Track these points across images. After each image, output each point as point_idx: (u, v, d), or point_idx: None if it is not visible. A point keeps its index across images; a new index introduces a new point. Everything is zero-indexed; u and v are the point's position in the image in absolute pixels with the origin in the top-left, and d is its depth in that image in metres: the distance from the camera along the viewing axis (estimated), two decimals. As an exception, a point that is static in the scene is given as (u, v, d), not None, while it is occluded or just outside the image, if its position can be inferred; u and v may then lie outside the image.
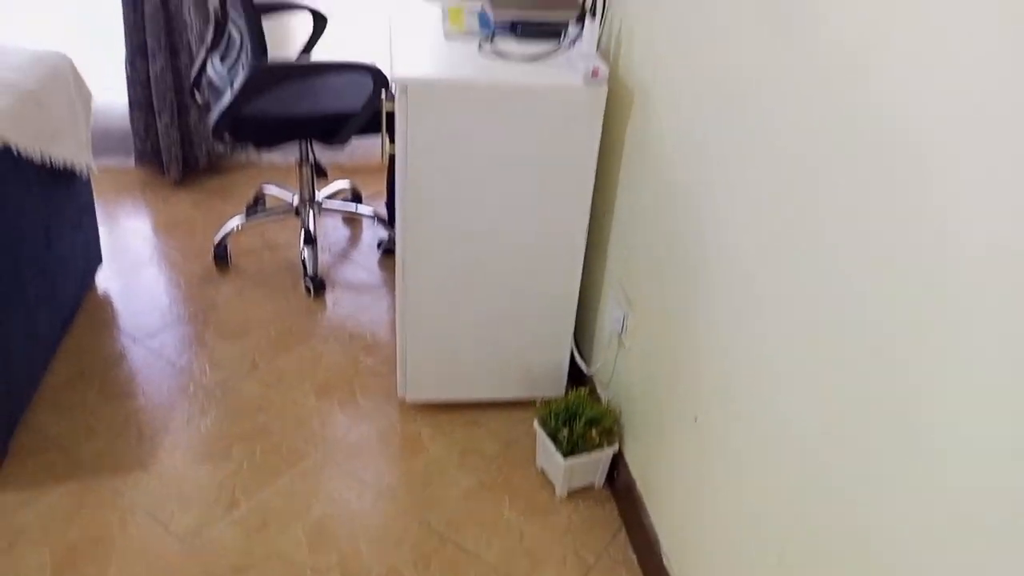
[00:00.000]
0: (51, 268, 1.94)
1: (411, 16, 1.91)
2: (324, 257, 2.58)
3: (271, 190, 2.73)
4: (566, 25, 1.78)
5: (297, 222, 2.72)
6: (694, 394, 1.37)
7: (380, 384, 2.05)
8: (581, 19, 1.70)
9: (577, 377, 1.99)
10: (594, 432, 1.68)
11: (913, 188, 0.83)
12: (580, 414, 1.70)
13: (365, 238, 2.72)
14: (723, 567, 1.28)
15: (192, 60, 2.74)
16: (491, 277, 1.79)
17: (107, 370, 2.03)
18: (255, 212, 2.61)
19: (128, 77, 2.74)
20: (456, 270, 1.76)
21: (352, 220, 2.81)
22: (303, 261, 2.44)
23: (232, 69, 2.15)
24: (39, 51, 1.95)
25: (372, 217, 2.72)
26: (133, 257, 2.49)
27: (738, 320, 1.21)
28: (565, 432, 1.68)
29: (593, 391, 1.90)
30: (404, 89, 1.55)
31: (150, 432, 1.85)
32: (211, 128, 2.13)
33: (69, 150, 1.95)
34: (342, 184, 2.79)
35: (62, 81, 1.94)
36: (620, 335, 1.72)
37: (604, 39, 1.80)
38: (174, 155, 2.85)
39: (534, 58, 1.68)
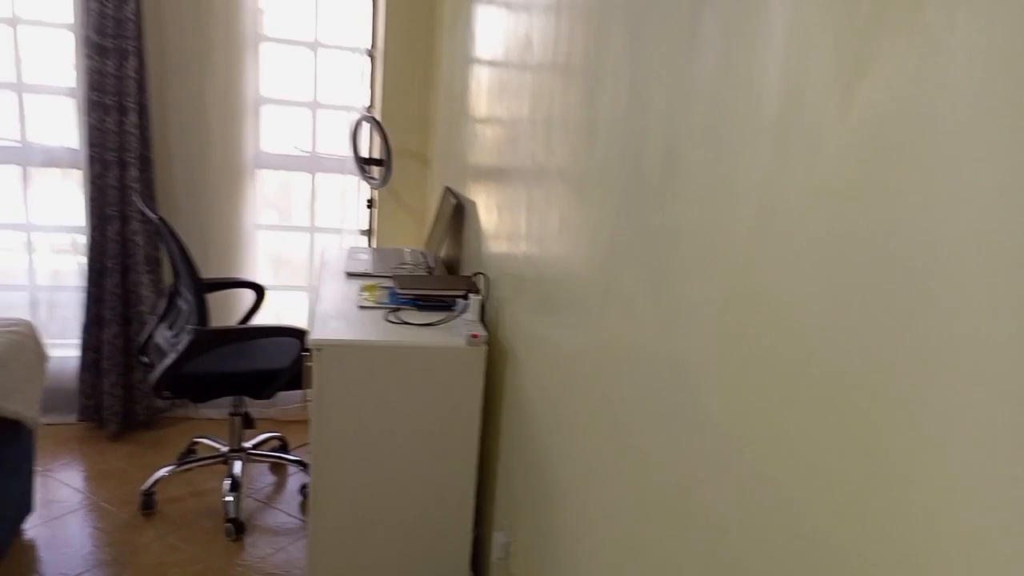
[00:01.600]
0: (-14, 514, 2.10)
1: (333, 289, 2.32)
2: (248, 503, 2.76)
3: (203, 441, 2.96)
4: (455, 300, 2.21)
5: (224, 470, 2.92)
6: (556, 605, 1.59)
7: (289, 622, 2.17)
8: (466, 295, 2.13)
9: (474, 608, 2.15)
10: (481, 654, 1.84)
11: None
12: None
13: (289, 484, 2.92)
14: None
15: (141, 328, 3.10)
16: (393, 512, 2.02)
17: (23, 615, 2.11)
18: (184, 461, 2.82)
19: (83, 342, 3.07)
20: (360, 508, 2.00)
21: (278, 467, 3.02)
22: (225, 505, 2.62)
23: (177, 335, 2.50)
24: (8, 320, 2.28)
25: (296, 463, 2.95)
26: (62, 505, 2.64)
27: (600, 552, 1.48)
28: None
29: (487, 619, 2.06)
30: (318, 349, 1.90)
31: (58, 675, 1.91)
32: (152, 385, 2.43)
33: (21, 405, 2.20)
34: (271, 435, 3.05)
35: (24, 345, 2.25)
36: (507, 560, 1.94)
37: (490, 313, 2.23)
38: (115, 411, 3.10)
39: (429, 324, 2.08)
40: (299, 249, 3.53)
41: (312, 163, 3.40)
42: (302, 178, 3.44)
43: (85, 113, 2.90)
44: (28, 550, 2.39)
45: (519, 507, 1.87)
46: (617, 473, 1.30)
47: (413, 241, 3.50)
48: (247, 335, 2.45)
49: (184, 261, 2.34)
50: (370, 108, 3.37)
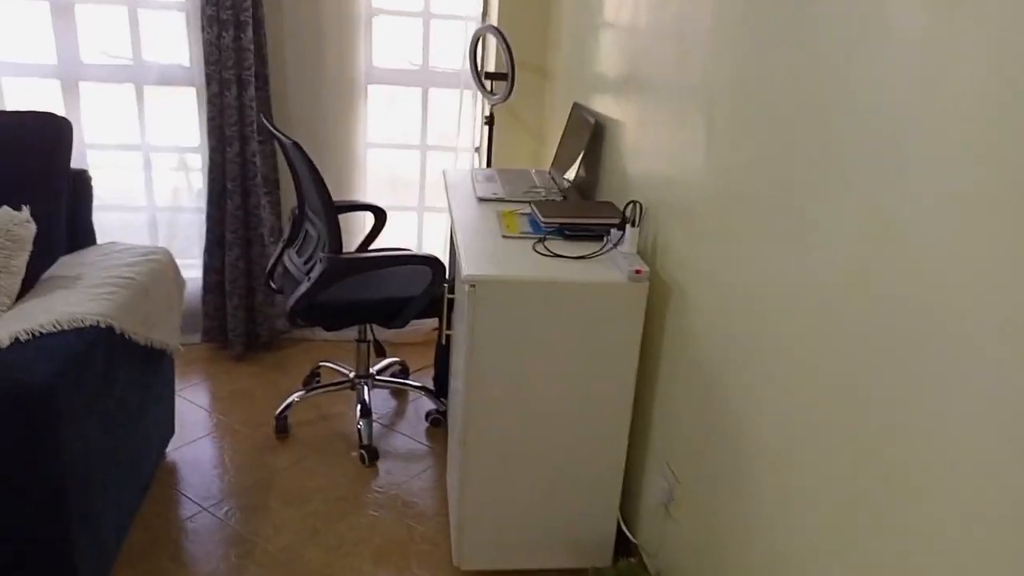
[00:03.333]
0: (139, 439, 2.13)
1: (468, 215, 2.21)
2: (375, 428, 2.76)
3: (327, 365, 2.95)
4: (608, 229, 2.07)
5: (350, 395, 2.92)
6: (743, 571, 1.50)
7: (434, 553, 2.17)
8: (622, 226, 1.98)
9: (624, 546, 2.10)
10: (644, 600, 1.79)
11: (951, 370, 1.02)
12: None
13: (411, 409, 2.91)
14: None
15: (263, 250, 3.07)
16: (543, 452, 1.96)
17: (179, 537, 2.16)
18: (313, 386, 2.82)
19: (205, 264, 3.06)
20: (511, 445, 1.94)
21: (400, 392, 3.01)
22: (359, 431, 2.62)
23: (308, 262, 2.44)
24: (147, 249, 2.25)
25: (421, 390, 2.92)
26: (199, 427, 2.68)
27: (782, 501, 1.37)
28: (616, 600, 1.78)
29: (641, 560, 2.01)
30: (472, 284, 1.80)
31: (220, 598, 1.95)
32: (288, 313, 2.39)
33: (165, 333, 2.20)
34: (392, 360, 3.02)
35: (164, 274, 2.23)
36: (667, 506, 1.86)
37: (642, 243, 2.08)
38: (239, 333, 3.11)
39: (583, 257, 1.95)
40: (410, 168, 3.42)
41: (424, 77, 3.24)
42: (413, 93, 3.29)
43: (202, 29, 2.79)
44: (172, 472, 2.44)
45: (686, 453, 1.77)
46: (829, 429, 1.18)
47: (529, 161, 3.35)
48: (382, 263, 2.37)
49: (318, 185, 2.25)
50: (485, 17, 3.16)
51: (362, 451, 2.55)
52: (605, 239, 2.06)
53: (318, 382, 2.99)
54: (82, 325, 1.76)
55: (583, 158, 2.46)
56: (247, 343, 3.18)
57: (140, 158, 3.13)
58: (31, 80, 2.99)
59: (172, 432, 2.53)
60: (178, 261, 2.34)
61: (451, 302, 2.27)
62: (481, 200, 2.39)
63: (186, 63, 3.02)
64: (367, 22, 3.08)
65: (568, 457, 1.97)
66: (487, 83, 3.02)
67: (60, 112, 2.72)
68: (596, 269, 1.89)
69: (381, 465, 2.55)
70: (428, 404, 2.91)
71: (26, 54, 2.94)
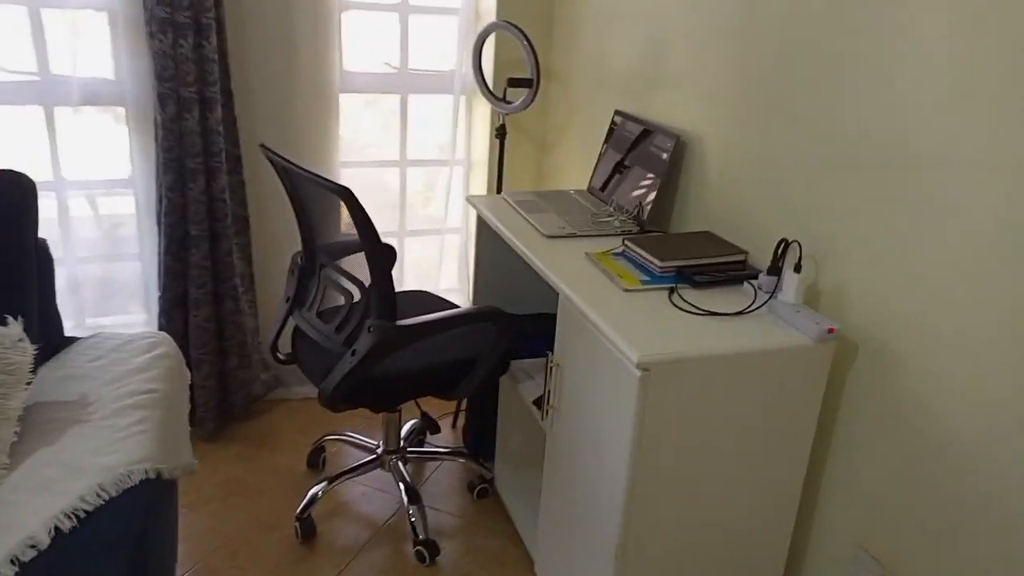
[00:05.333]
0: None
1: (551, 259, 1.81)
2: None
3: (336, 439, 2.46)
4: (743, 269, 1.76)
5: (375, 473, 2.42)
6: None
7: (560, 675, 1.79)
8: (775, 270, 1.67)
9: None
10: None
11: None
12: None
13: (442, 480, 2.48)
14: None
15: (236, 306, 2.50)
16: (706, 555, 1.64)
17: None
18: (337, 475, 2.29)
19: (162, 328, 2.45)
20: (676, 553, 1.60)
21: (420, 459, 2.56)
22: (411, 523, 2.16)
23: (341, 328, 1.95)
24: (147, 340, 1.69)
25: (464, 456, 2.48)
26: (200, 546, 2.12)
27: None
28: None
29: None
30: (645, 369, 1.43)
31: None
32: (327, 397, 1.90)
33: (186, 450, 1.66)
34: (412, 421, 2.57)
35: (179, 373, 1.68)
36: (866, 598, 1.60)
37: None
38: (210, 407, 2.54)
39: (741, 312, 1.62)
40: (388, 187, 2.93)
41: (403, 82, 2.76)
42: (391, 101, 2.80)
43: (150, 36, 2.17)
44: (190, 614, 1.90)
45: (909, 539, 1.50)
46: None
47: (533, 177, 2.95)
48: (445, 325, 1.92)
49: (368, 238, 1.78)
50: (476, 10, 2.72)
51: (419, 547, 2.11)
52: (745, 284, 1.74)
53: (324, 459, 2.49)
54: (131, 483, 1.23)
55: (661, 182, 2.10)
56: (219, 418, 2.61)
57: (53, 198, 2.45)
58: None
59: (175, 559, 1.96)
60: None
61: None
62: (550, 238, 2.00)
63: (111, 76, 2.37)
64: (337, 20, 2.55)
65: (725, 549, 1.66)
66: (497, 89, 2.60)
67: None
68: (764, 327, 1.57)
69: (442, 562, 2.12)
70: (459, 469, 2.49)
71: None
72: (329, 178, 1.75)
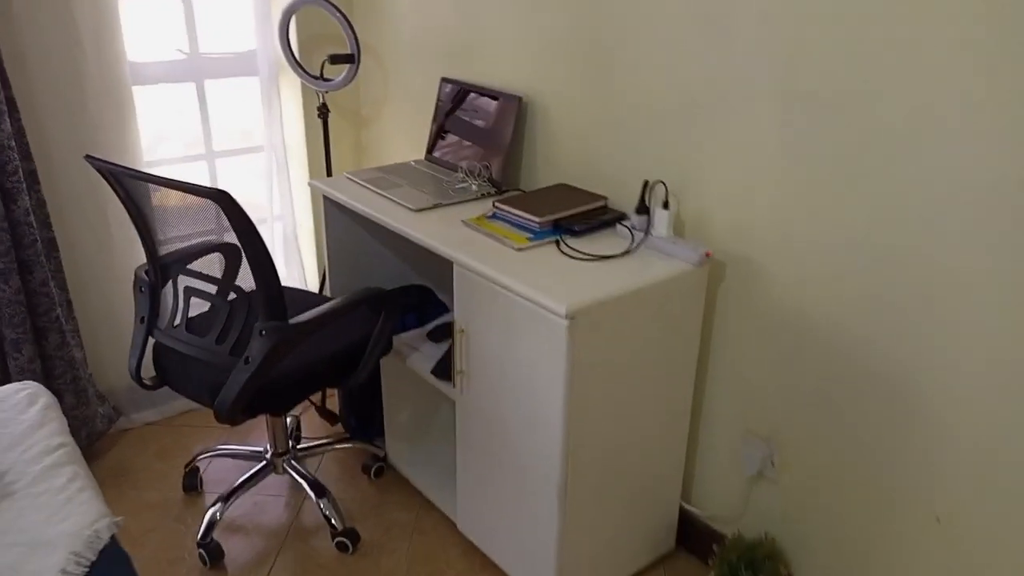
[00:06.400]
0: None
1: (432, 232, 1.86)
2: (309, 505, 2.26)
3: (210, 456, 2.31)
4: (618, 217, 1.93)
5: (264, 481, 2.32)
6: (865, 509, 1.60)
7: (513, 616, 1.91)
8: (642, 210, 1.86)
9: (684, 528, 2.08)
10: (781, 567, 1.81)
11: None
12: (761, 556, 1.81)
13: (334, 467, 2.44)
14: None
15: (63, 339, 2.23)
16: (624, 468, 1.82)
17: None
18: (229, 493, 2.16)
19: (-24, 380, 2.13)
20: (605, 474, 1.77)
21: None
22: (326, 516, 2.12)
23: (222, 339, 1.84)
24: (16, 388, 1.49)
25: (356, 441, 2.44)
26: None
27: (918, 432, 1.47)
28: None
29: (712, 536, 2.02)
30: (571, 318, 1.55)
31: None
32: (226, 411, 1.80)
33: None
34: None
35: (62, 416, 1.51)
36: (761, 472, 1.88)
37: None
38: (52, 455, 2.26)
39: (627, 252, 1.79)
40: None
41: (196, 68, 2.57)
42: (185, 90, 2.60)
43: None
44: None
45: (781, 417, 1.79)
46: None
47: (352, 154, 2.90)
48: (338, 313, 1.87)
49: (252, 244, 1.69)
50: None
51: (340, 538, 2.09)
52: (618, 226, 1.92)
53: (201, 480, 2.34)
54: (103, 543, 1.13)
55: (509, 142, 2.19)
56: (63, 464, 2.32)
57: None
58: None
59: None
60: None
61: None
62: (419, 211, 2.03)
63: None
64: (116, 7, 2.30)
65: (636, 459, 1.87)
66: (310, 67, 2.50)
67: None
68: (649, 261, 1.75)
69: (365, 547, 2.12)
70: (346, 456, 2.47)
71: None
72: (228, 193, 1.62)
